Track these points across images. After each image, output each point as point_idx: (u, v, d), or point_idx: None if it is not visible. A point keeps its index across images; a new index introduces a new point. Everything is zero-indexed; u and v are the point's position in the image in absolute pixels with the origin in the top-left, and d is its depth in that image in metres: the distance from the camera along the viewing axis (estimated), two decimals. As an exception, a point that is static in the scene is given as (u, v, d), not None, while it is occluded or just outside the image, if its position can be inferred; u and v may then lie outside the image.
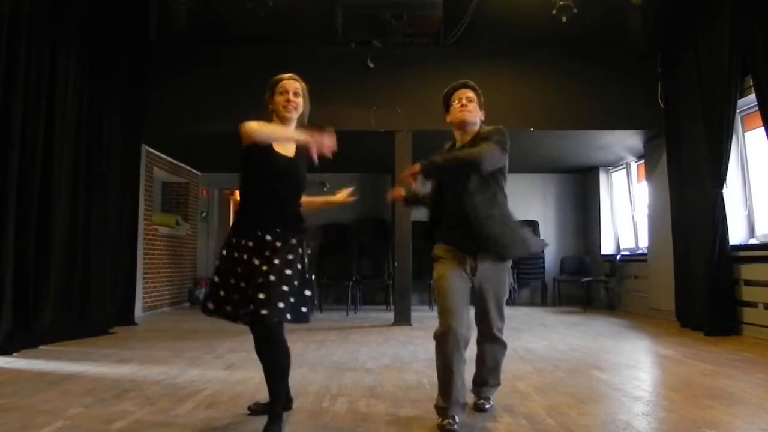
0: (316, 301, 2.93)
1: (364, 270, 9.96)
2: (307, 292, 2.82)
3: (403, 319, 7.47)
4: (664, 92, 7.55)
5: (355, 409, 3.19)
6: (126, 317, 7.09)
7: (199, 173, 10.86)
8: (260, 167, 2.82)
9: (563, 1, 6.61)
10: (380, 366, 4.53)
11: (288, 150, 2.91)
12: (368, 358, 4.87)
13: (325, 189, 10.92)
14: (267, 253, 2.73)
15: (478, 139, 3.00)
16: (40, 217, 5.50)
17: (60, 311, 5.85)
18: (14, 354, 4.85)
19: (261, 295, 2.63)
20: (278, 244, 2.75)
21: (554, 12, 6.72)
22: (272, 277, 2.65)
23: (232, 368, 4.36)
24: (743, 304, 6.17)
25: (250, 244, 2.77)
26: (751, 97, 6.04)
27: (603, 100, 7.65)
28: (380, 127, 7.66)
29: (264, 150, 2.79)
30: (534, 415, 3.07)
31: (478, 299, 3.03)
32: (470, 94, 3.09)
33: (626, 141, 8.48)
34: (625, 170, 9.83)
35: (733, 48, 6.06)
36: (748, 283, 6.16)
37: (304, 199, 3.02)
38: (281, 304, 2.65)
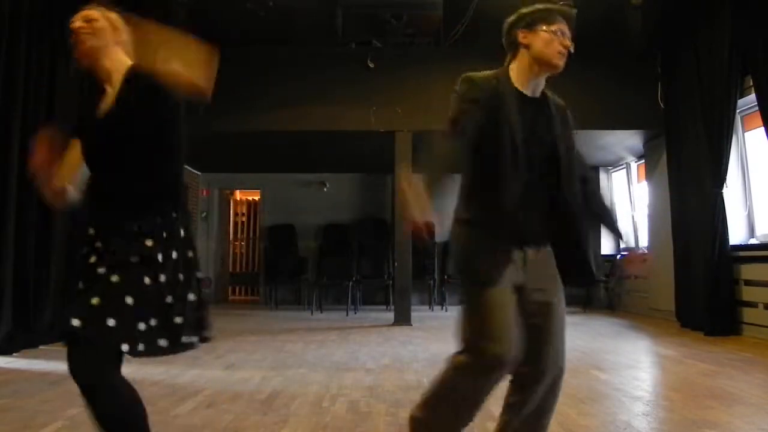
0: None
1: (364, 270, 9.96)
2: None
3: (403, 319, 7.47)
4: (663, 92, 7.55)
5: (355, 409, 3.19)
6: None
7: (199, 173, 10.85)
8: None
9: (563, 1, 6.61)
10: (380, 366, 4.53)
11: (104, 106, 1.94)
12: (368, 358, 4.88)
13: (325, 189, 10.95)
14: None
15: (553, 99, 2.14)
16: (40, 216, 5.50)
17: (60, 311, 5.84)
18: (14, 354, 4.86)
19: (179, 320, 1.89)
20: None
21: (554, 12, 6.72)
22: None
23: (231, 368, 4.36)
24: (743, 304, 6.17)
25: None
26: (751, 97, 6.04)
27: (603, 100, 7.65)
28: (380, 127, 7.67)
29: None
30: (534, 415, 3.07)
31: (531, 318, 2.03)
32: (569, 31, 2.09)
33: (626, 141, 8.48)
34: (625, 170, 9.82)
35: (733, 48, 6.05)
36: (748, 283, 6.15)
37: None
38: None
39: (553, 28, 2.06)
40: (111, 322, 1.74)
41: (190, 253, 1.91)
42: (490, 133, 2.01)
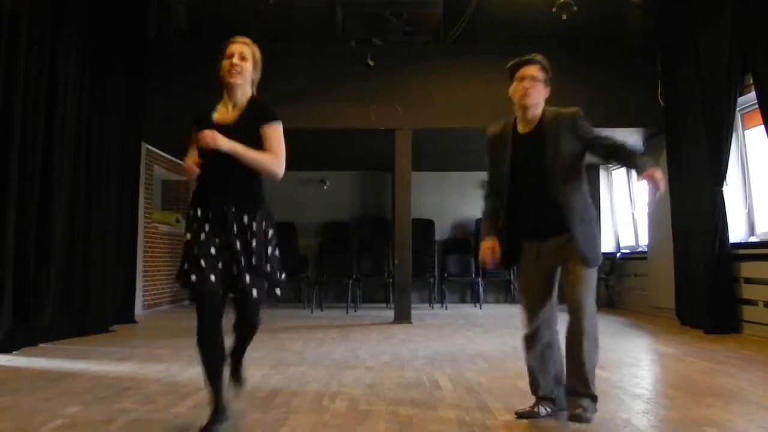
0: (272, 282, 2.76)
1: (365, 268, 9.96)
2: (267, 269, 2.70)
3: (403, 317, 7.47)
4: (663, 90, 7.54)
5: (355, 407, 3.19)
6: (126, 315, 7.10)
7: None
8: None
9: (562, 0, 6.61)
10: (380, 364, 4.53)
11: (227, 117, 2.72)
12: (368, 356, 4.88)
13: (325, 187, 10.95)
14: (235, 231, 2.60)
15: (549, 124, 2.85)
16: (40, 215, 5.50)
17: (60, 309, 5.84)
18: (14, 352, 4.85)
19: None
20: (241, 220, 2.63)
21: (554, 10, 6.72)
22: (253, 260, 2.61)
23: (232, 366, 4.36)
24: (743, 302, 6.17)
25: (210, 215, 2.64)
26: (751, 95, 6.03)
27: (603, 98, 7.63)
28: (380, 125, 7.66)
29: (204, 120, 2.70)
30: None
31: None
32: (534, 71, 2.85)
33: (626, 139, 8.34)
34: (625, 168, 9.81)
35: (733, 46, 6.04)
36: (748, 281, 6.15)
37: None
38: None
39: (518, 77, 2.84)
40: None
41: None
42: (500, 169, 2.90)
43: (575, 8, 6.68)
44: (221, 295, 2.60)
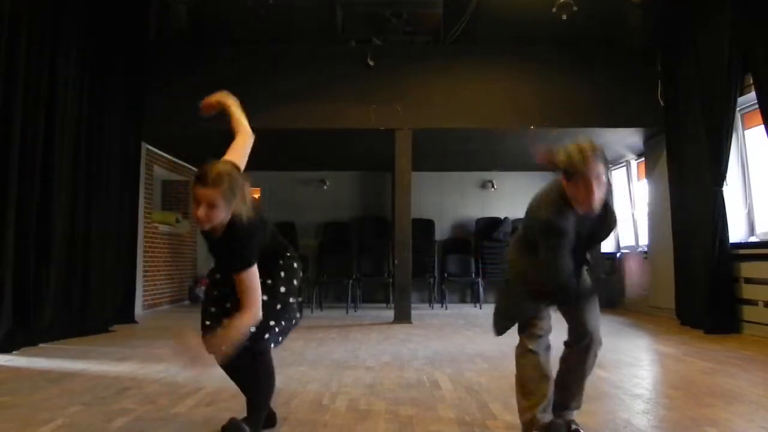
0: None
1: (365, 268, 9.96)
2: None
3: (403, 317, 7.48)
4: (664, 90, 7.54)
5: (355, 407, 3.19)
6: (126, 315, 7.10)
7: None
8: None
9: (564, -1, 6.62)
10: (380, 364, 4.53)
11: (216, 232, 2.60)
12: (368, 356, 4.88)
13: (325, 187, 10.96)
14: None
15: (602, 207, 2.54)
16: (40, 215, 5.50)
17: (60, 309, 5.84)
18: (14, 352, 4.85)
19: None
20: None
21: (554, 10, 6.72)
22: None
23: (232, 366, 4.36)
24: (743, 302, 6.17)
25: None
26: (751, 95, 6.03)
27: (603, 98, 7.65)
28: (380, 125, 7.66)
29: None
30: (534, 413, 3.06)
31: None
32: (603, 172, 2.41)
33: (626, 139, 8.47)
34: (625, 168, 9.82)
35: (733, 45, 6.04)
36: (748, 281, 6.15)
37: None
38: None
39: (585, 179, 2.36)
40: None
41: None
42: None
43: (575, 8, 6.69)
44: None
